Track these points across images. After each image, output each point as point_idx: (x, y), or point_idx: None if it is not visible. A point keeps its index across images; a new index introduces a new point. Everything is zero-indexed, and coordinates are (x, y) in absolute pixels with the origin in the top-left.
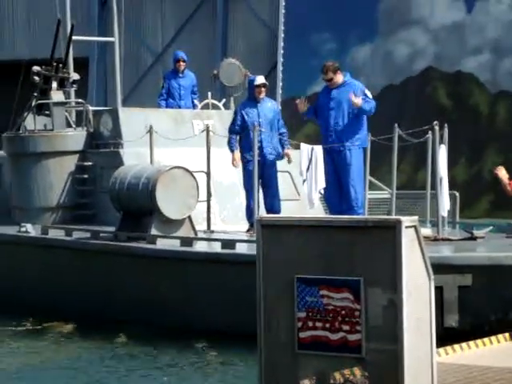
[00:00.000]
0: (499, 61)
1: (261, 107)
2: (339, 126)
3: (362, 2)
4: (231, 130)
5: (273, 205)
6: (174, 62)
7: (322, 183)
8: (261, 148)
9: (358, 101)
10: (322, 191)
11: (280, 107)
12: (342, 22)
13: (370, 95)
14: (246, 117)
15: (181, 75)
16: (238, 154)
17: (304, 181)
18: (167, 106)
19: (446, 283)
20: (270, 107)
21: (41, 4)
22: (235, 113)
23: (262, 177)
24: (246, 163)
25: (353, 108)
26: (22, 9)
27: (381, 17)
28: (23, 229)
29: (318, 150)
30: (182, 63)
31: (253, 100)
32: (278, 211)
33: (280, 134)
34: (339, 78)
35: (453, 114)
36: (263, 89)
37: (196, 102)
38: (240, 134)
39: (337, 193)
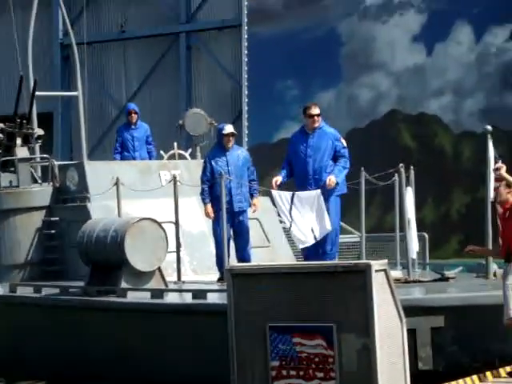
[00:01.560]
0: (461, 102)
1: (230, 155)
2: (318, 175)
3: (324, 48)
4: (202, 180)
5: (243, 253)
6: (126, 115)
7: (328, 225)
8: (230, 196)
9: (333, 181)
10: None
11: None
12: (305, 69)
13: (344, 143)
14: (215, 165)
15: (133, 127)
16: (210, 206)
17: (290, 224)
18: (122, 159)
19: (418, 325)
20: (239, 155)
21: (2, 60)
22: (205, 162)
23: (232, 225)
24: (215, 212)
25: (330, 154)
26: None
27: (343, 62)
28: None
29: (318, 194)
30: (133, 115)
31: (221, 148)
32: (248, 260)
33: (250, 182)
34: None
35: (418, 156)
36: (232, 138)
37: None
38: (211, 182)
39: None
